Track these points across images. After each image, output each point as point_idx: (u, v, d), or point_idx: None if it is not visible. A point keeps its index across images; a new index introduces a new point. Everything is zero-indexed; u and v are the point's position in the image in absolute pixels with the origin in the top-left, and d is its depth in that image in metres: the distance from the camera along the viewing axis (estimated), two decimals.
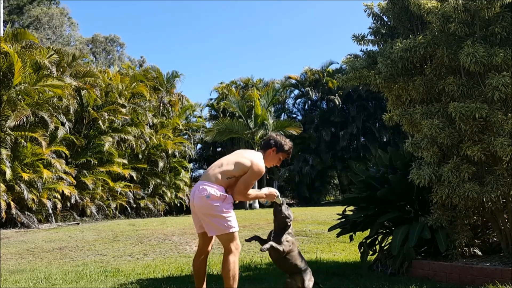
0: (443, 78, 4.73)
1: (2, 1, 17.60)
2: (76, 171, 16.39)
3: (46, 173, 14.29)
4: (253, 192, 3.63)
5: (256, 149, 20.52)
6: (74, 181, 15.93)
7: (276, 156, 3.76)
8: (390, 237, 5.42)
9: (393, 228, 5.49)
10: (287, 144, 3.78)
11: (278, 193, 3.73)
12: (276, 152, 3.74)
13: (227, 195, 3.44)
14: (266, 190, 3.69)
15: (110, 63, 33.34)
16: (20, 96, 14.44)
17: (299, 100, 29.97)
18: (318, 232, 9.83)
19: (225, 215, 3.38)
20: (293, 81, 29.19)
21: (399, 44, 4.74)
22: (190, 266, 5.99)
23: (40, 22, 30.77)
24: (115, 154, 18.47)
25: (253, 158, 3.54)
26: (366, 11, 5.48)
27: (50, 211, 14.76)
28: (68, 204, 16.01)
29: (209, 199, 3.36)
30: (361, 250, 5.70)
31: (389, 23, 5.47)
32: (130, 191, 18.79)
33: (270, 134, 3.90)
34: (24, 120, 14.12)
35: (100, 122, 17.72)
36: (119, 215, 18.41)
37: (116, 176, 18.53)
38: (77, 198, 16.05)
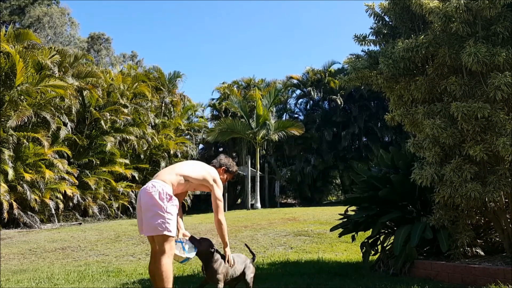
0: (445, 78, 4.72)
1: None
2: (78, 171, 16.43)
3: (48, 173, 14.33)
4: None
5: (258, 149, 20.36)
6: (76, 181, 15.97)
7: (224, 175, 4.03)
8: (392, 237, 5.41)
9: (395, 228, 5.49)
10: (234, 167, 4.14)
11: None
12: (224, 171, 4.03)
13: (173, 196, 3.50)
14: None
15: (99, 61, 33.29)
16: (22, 97, 14.47)
17: (301, 100, 29.95)
18: (320, 232, 9.83)
19: (165, 215, 3.40)
20: (295, 81, 29.15)
21: (401, 44, 4.74)
22: (192, 266, 6.01)
23: (41, 22, 30.81)
24: (117, 154, 18.50)
25: (210, 171, 3.81)
26: (367, 11, 5.47)
27: (53, 211, 14.80)
28: (70, 204, 16.05)
29: (155, 195, 3.40)
30: (363, 250, 5.69)
31: (390, 23, 5.46)
32: (132, 191, 18.81)
33: (220, 156, 4.16)
34: (26, 121, 14.16)
35: (102, 122, 17.75)
36: (121, 215, 18.43)
37: (118, 176, 18.56)
38: (79, 198, 16.09)
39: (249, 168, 22.84)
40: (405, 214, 5.39)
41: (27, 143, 14.44)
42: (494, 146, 4.24)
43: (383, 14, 5.45)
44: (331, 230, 6.22)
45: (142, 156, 20.61)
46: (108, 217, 17.57)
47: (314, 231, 10.12)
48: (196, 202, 22.33)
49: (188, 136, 26.46)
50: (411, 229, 4.97)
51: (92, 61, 24.16)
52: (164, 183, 3.50)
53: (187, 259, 3.64)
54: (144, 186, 3.57)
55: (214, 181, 3.75)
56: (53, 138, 15.55)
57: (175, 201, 3.51)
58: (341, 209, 6.43)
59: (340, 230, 5.97)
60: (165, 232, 3.38)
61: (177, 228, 3.61)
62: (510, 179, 4.39)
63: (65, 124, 16.23)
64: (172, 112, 24.98)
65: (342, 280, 4.83)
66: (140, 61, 36.68)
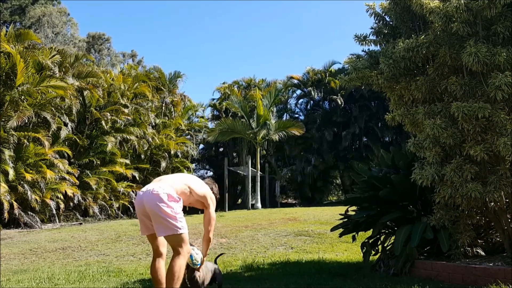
0: (446, 78, 4.72)
1: None
2: (78, 171, 16.43)
3: (49, 173, 14.33)
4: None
5: (258, 149, 20.31)
6: (77, 181, 15.97)
7: None
8: (393, 237, 5.41)
9: (395, 228, 5.49)
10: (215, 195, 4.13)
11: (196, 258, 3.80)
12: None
13: (180, 198, 3.55)
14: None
15: (99, 60, 33.35)
16: (22, 97, 14.48)
17: (301, 100, 29.93)
18: (320, 232, 9.83)
19: (177, 216, 3.44)
20: (295, 81, 29.13)
21: (401, 44, 4.74)
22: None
23: (41, 22, 30.83)
24: (118, 154, 18.51)
25: (208, 189, 3.90)
26: (368, 11, 5.47)
27: (54, 211, 14.80)
28: (71, 204, 16.05)
29: (164, 198, 3.40)
30: (364, 250, 5.69)
31: (391, 23, 5.46)
32: (133, 191, 18.80)
33: (206, 180, 4.18)
34: (27, 121, 14.16)
35: (102, 122, 17.76)
36: (122, 215, 18.44)
37: (118, 176, 18.57)
38: (80, 198, 16.08)
39: (250, 168, 22.83)
40: (405, 214, 5.39)
41: (28, 143, 14.45)
42: (494, 146, 4.24)
43: (383, 14, 5.45)
44: (332, 230, 6.22)
45: (142, 156, 20.61)
46: (109, 217, 17.58)
47: (315, 231, 10.12)
48: None
49: (189, 136, 26.46)
50: (412, 229, 4.97)
51: (93, 61, 24.18)
52: (171, 187, 3.52)
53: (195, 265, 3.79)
54: (147, 188, 3.53)
55: (211, 199, 3.85)
56: (54, 138, 15.55)
57: (181, 203, 3.55)
58: (342, 209, 6.43)
59: (341, 230, 5.97)
60: (179, 231, 3.43)
61: None
62: (510, 179, 4.39)
63: (65, 124, 16.23)
64: (173, 112, 24.99)
65: (342, 280, 4.83)
66: (141, 61, 36.69)
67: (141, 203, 3.52)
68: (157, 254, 3.64)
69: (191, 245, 3.71)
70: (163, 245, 3.67)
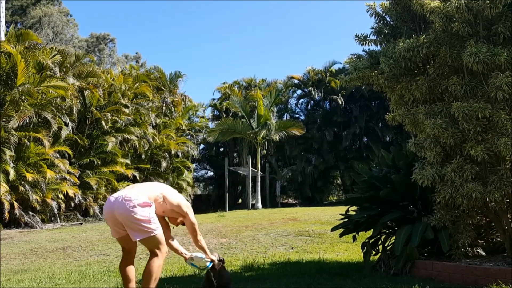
0: (446, 78, 4.72)
1: (3, 2, 17.64)
2: (79, 171, 16.44)
3: (49, 173, 14.35)
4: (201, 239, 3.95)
5: (259, 149, 20.24)
6: (77, 181, 15.99)
7: None
8: (393, 237, 5.41)
9: (396, 228, 5.49)
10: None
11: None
12: None
13: (153, 202, 3.51)
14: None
15: (101, 61, 33.39)
16: (23, 97, 14.49)
17: (301, 100, 29.99)
18: (321, 232, 9.82)
19: (151, 219, 3.41)
20: (296, 81, 29.16)
21: (402, 44, 4.74)
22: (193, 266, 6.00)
23: (42, 22, 30.87)
24: (118, 154, 18.52)
25: (183, 199, 3.87)
26: (368, 11, 5.47)
27: (55, 211, 14.82)
28: (72, 204, 16.06)
29: (136, 203, 3.36)
30: (364, 250, 5.69)
31: (391, 23, 5.46)
32: None
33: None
34: (27, 121, 14.17)
35: (103, 122, 17.77)
36: None
37: (119, 176, 18.58)
38: (81, 198, 16.10)
39: (250, 168, 22.84)
40: (406, 214, 5.39)
41: (28, 143, 14.46)
42: (495, 146, 4.24)
43: (384, 14, 5.45)
44: (332, 230, 6.21)
45: (143, 156, 20.63)
46: None
47: (315, 231, 10.12)
48: (197, 203, 22.35)
49: (189, 136, 26.48)
50: (412, 229, 4.97)
51: (93, 61, 24.21)
52: (143, 194, 3.48)
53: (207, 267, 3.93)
54: (119, 195, 3.45)
55: (187, 207, 3.83)
56: (54, 138, 15.57)
57: (154, 207, 3.50)
58: (342, 209, 6.43)
59: (341, 230, 5.97)
60: (154, 233, 3.40)
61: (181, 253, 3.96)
62: (511, 179, 4.39)
63: (66, 124, 16.24)
64: (173, 112, 25.02)
65: (343, 280, 4.83)
66: (143, 64, 36.70)
67: (111, 212, 3.44)
68: (127, 251, 3.64)
69: (190, 259, 3.86)
70: (135, 245, 3.65)
